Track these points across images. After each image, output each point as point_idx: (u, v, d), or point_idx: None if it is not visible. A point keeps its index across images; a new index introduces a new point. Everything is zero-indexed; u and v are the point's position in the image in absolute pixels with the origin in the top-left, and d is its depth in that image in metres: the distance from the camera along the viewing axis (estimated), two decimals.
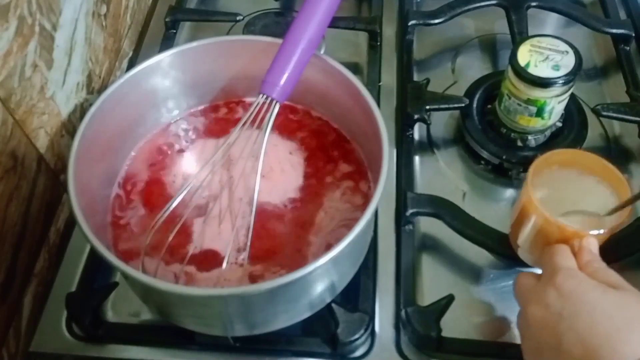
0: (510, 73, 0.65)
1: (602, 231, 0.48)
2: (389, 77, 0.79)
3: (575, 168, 0.53)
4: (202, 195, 0.60)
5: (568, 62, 0.63)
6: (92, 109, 0.56)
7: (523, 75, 0.63)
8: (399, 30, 0.84)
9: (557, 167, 0.53)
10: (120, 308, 0.61)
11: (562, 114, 0.69)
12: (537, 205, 0.49)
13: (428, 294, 0.61)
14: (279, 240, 0.57)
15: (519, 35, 0.77)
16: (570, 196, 0.53)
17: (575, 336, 0.40)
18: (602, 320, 0.39)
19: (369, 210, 0.49)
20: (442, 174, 0.71)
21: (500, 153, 0.69)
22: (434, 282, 0.62)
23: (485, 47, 0.85)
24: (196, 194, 0.59)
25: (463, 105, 0.71)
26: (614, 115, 0.70)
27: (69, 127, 0.67)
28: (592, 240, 0.47)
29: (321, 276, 0.51)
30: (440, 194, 0.64)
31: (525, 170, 0.57)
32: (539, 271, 0.50)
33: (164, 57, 0.61)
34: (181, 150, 0.64)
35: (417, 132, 0.74)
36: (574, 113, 0.71)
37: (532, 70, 0.63)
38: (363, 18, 0.84)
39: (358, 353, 0.57)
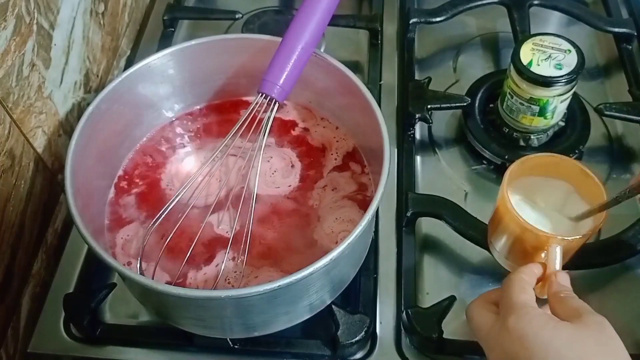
0: (512, 72, 0.64)
1: (577, 237, 0.47)
2: (389, 75, 0.78)
3: (552, 173, 0.52)
4: (200, 196, 0.59)
5: (570, 60, 0.63)
6: (90, 109, 0.56)
7: (525, 74, 0.62)
8: (400, 29, 0.84)
9: (534, 172, 0.52)
10: (118, 309, 0.61)
11: (565, 114, 0.68)
12: (512, 210, 0.48)
13: (429, 296, 0.61)
14: (278, 241, 0.57)
15: (521, 33, 0.76)
16: (546, 201, 0.52)
17: None
18: None
19: (370, 210, 0.48)
20: (443, 174, 0.70)
21: (502, 153, 0.68)
22: (435, 283, 0.62)
23: (487, 46, 0.84)
24: (194, 194, 0.59)
25: (465, 104, 0.71)
26: (617, 114, 0.69)
27: (67, 127, 0.67)
28: (563, 275, 0.47)
29: (321, 278, 0.51)
30: (442, 194, 0.63)
31: None
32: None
33: (162, 56, 0.61)
34: (179, 150, 0.64)
35: (419, 131, 0.74)
36: (576, 112, 0.70)
37: (535, 69, 0.62)
38: (364, 16, 0.83)
39: (358, 355, 0.57)
